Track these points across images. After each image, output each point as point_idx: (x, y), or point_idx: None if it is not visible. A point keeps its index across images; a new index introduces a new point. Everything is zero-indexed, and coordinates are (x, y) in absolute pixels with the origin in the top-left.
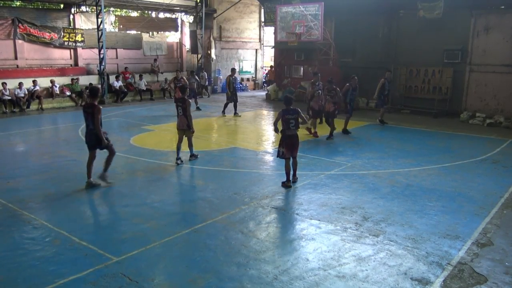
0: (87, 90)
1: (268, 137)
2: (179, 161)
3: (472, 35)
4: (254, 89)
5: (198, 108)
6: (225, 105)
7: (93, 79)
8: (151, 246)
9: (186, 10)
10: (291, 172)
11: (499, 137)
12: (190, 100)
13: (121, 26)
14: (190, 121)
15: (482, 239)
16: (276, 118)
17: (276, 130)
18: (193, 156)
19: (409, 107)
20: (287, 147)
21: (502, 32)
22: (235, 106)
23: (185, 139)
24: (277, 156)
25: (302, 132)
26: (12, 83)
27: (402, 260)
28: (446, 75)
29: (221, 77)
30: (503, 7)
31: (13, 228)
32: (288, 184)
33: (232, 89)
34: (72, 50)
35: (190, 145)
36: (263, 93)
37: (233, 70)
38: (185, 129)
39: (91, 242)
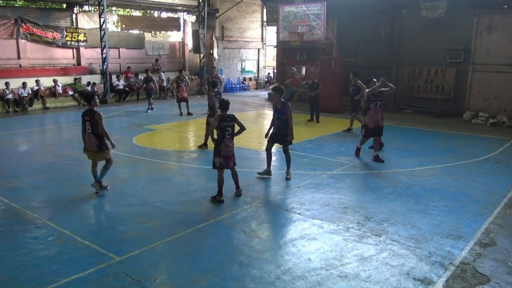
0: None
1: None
2: (102, 191)
3: (475, 34)
4: (256, 88)
5: (151, 109)
6: None
7: (96, 79)
8: (153, 245)
9: (188, 9)
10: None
11: (502, 137)
12: (101, 113)
13: (124, 26)
14: (107, 138)
15: (485, 239)
16: (211, 125)
17: (212, 139)
18: (98, 184)
19: (412, 107)
20: (224, 157)
21: (505, 32)
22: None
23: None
24: (213, 167)
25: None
26: (15, 83)
27: (405, 260)
28: (449, 74)
29: (223, 76)
30: (506, 6)
31: (16, 227)
32: (219, 199)
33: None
34: (74, 50)
35: (103, 170)
36: (265, 93)
37: (212, 68)
38: (96, 150)
39: (94, 242)
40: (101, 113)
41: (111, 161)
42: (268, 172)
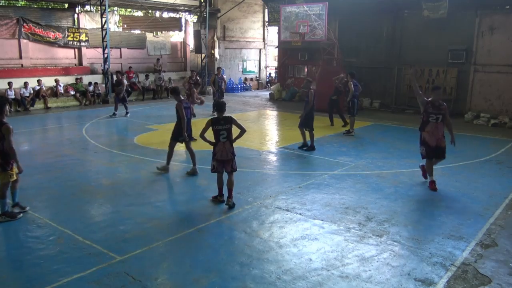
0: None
1: (271, 136)
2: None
3: (476, 35)
4: (257, 88)
5: (126, 113)
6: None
7: (97, 79)
8: (154, 245)
9: (190, 9)
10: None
11: (504, 138)
12: (10, 126)
13: (125, 26)
14: (13, 157)
15: (486, 240)
16: (203, 128)
17: (209, 142)
18: (11, 212)
19: (413, 107)
20: (218, 161)
21: (507, 32)
22: None
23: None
24: (211, 171)
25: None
26: (16, 82)
27: (406, 260)
28: (451, 75)
29: (225, 76)
30: (508, 7)
31: (17, 226)
32: (219, 199)
33: (217, 87)
34: (76, 50)
35: (14, 192)
36: (266, 93)
37: (218, 69)
38: None
39: (95, 241)
40: (11, 127)
41: (17, 181)
42: (166, 168)
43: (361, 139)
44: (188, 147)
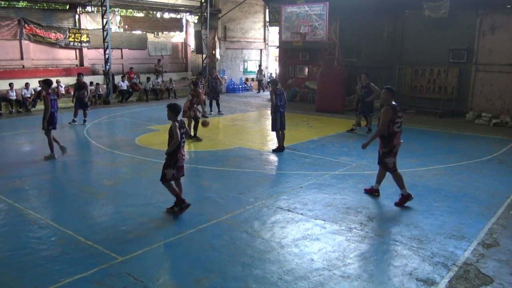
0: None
1: (272, 136)
2: None
3: (478, 34)
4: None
5: (84, 121)
6: (209, 104)
7: (99, 79)
8: (156, 245)
9: (190, 10)
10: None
11: (505, 137)
12: None
13: (126, 27)
14: None
15: (488, 240)
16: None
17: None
18: None
19: (415, 107)
20: (179, 167)
21: (508, 32)
22: (217, 105)
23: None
24: (163, 180)
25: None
26: (18, 83)
27: (407, 260)
28: (452, 74)
29: (225, 77)
30: (509, 6)
31: (18, 227)
32: (184, 206)
33: (210, 87)
34: (77, 50)
35: None
36: (267, 93)
37: (211, 70)
38: None
39: (96, 242)
40: None
41: None
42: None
43: (362, 139)
44: (48, 136)
